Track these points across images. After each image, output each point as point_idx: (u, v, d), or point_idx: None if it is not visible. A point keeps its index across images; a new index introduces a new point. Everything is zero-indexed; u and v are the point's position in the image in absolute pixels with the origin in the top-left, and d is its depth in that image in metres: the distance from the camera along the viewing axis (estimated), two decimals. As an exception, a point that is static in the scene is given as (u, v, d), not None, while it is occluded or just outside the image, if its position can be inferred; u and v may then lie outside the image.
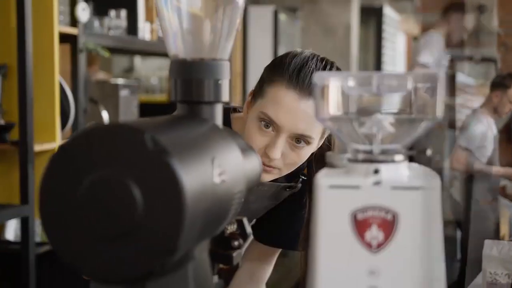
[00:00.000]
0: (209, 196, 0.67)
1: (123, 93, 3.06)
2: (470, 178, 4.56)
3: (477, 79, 7.03)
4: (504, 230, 5.72)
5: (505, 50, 8.23)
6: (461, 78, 5.27)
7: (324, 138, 1.35)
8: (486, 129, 4.42)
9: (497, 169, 4.38)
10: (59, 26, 2.53)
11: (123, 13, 3.01)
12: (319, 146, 1.35)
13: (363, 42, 7.14)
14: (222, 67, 0.82)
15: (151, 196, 0.61)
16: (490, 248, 1.97)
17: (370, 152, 0.72)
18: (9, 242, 2.56)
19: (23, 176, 2.30)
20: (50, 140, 2.48)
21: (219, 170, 0.71)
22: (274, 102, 1.24)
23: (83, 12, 2.62)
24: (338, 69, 1.30)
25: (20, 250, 2.39)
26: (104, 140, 0.63)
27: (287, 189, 1.45)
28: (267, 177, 1.31)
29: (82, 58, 2.66)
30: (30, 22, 2.37)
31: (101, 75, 3.96)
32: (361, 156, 0.71)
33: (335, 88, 0.72)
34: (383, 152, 0.72)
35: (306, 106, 1.23)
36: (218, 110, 0.83)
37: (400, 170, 0.70)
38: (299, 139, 1.26)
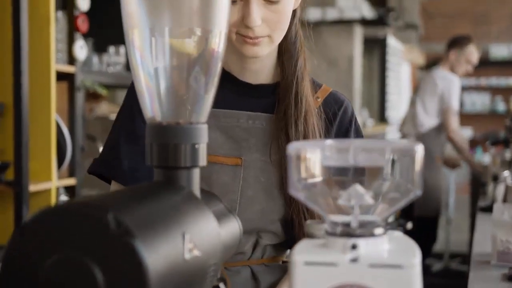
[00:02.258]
0: (179, 274, 0.64)
1: (122, 129, 3.03)
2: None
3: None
4: None
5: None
6: None
7: None
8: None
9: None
10: (57, 64, 2.53)
11: (123, 49, 3.01)
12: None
13: (367, 72, 7.13)
14: (199, 131, 0.80)
15: (114, 280, 0.59)
16: (501, 212, 1.79)
17: (348, 224, 0.69)
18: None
19: (18, 217, 2.28)
20: (46, 179, 2.46)
21: (191, 245, 0.68)
22: None
23: (81, 50, 2.62)
24: None
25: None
26: (66, 219, 0.60)
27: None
28: (260, 50, 1.19)
29: (79, 96, 2.65)
30: (26, 60, 2.37)
31: (104, 107, 3.94)
32: (338, 229, 0.69)
33: (311, 158, 0.69)
34: (362, 225, 0.69)
35: None
36: (196, 175, 0.80)
37: (379, 245, 0.67)
38: None
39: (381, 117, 7.26)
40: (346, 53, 5.45)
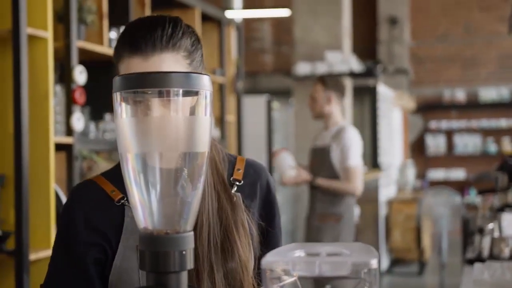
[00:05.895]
0: None
1: (119, 191, 3.13)
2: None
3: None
4: None
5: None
6: None
7: None
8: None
9: (321, 181, 3.97)
10: (56, 136, 2.65)
11: (118, 116, 3.13)
12: None
13: (358, 120, 7.27)
14: (186, 239, 0.91)
15: None
16: (481, 272, 1.86)
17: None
18: None
19: (19, 287, 2.36)
20: (46, 247, 2.55)
21: None
22: None
23: (78, 121, 2.75)
24: (175, 25, 1.23)
25: None
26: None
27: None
28: None
29: (77, 166, 2.76)
30: (27, 133, 2.48)
31: (103, 166, 4.02)
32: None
33: (282, 270, 0.80)
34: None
35: (155, 62, 1.19)
36: (184, 277, 0.91)
37: None
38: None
39: (374, 164, 7.37)
40: (336, 104, 5.58)
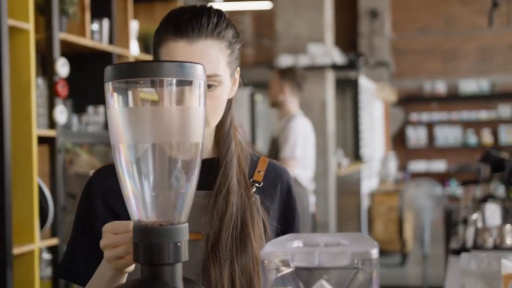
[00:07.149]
0: None
1: (102, 185, 3.10)
2: None
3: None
4: None
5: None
6: None
7: (237, 77, 1.30)
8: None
9: None
10: (38, 129, 2.61)
11: (101, 109, 3.11)
12: (234, 87, 1.30)
13: (340, 113, 7.29)
14: (180, 231, 0.90)
15: None
16: (468, 261, 1.86)
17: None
18: None
19: (2, 282, 2.33)
20: (29, 241, 2.52)
21: None
22: (168, 58, 1.20)
23: (61, 114, 2.71)
24: (220, 15, 1.25)
25: None
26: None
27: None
28: None
29: (60, 158, 2.73)
30: (9, 126, 2.44)
31: (84, 158, 3.98)
32: (306, 323, 0.78)
33: (281, 261, 0.79)
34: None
35: (200, 48, 1.20)
36: (179, 269, 0.90)
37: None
38: (209, 83, 1.19)
39: (356, 156, 7.40)
40: (319, 97, 5.59)
